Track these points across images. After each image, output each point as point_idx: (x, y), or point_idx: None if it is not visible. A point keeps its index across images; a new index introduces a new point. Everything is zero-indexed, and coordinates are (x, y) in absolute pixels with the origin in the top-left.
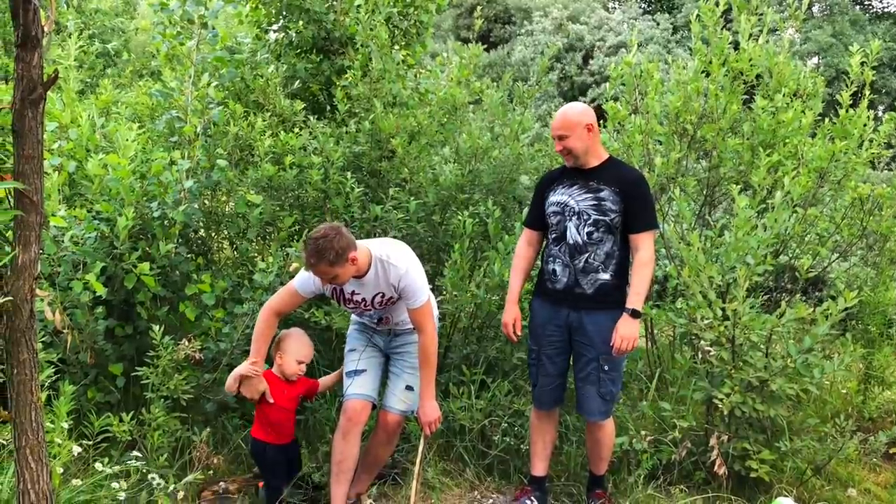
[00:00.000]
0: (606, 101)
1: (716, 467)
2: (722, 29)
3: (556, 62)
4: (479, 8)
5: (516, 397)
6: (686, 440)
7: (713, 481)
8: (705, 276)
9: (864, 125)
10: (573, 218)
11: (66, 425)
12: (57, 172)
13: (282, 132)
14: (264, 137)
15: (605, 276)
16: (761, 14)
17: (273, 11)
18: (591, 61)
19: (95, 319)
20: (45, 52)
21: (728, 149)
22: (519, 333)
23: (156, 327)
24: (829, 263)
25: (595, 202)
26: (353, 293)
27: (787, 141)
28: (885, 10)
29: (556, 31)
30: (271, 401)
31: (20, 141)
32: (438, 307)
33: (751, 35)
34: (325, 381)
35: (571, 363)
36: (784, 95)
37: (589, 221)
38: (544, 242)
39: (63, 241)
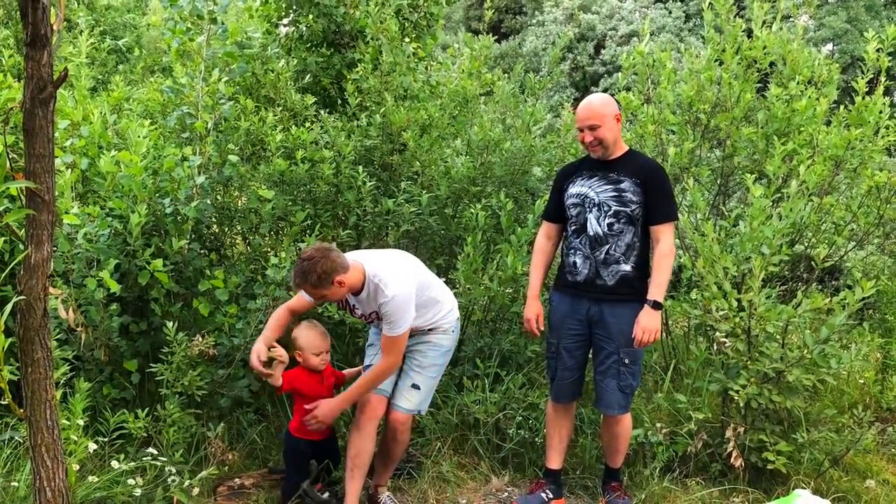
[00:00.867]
0: (619, 90)
1: (732, 459)
2: (735, 16)
3: (567, 52)
4: None
5: (531, 390)
6: (702, 432)
7: (729, 473)
8: (720, 267)
9: (880, 112)
10: (593, 209)
11: (81, 422)
12: (70, 170)
13: (293, 127)
14: (275, 132)
15: (627, 268)
16: (774, 1)
17: (283, 5)
18: (602, 51)
19: (110, 316)
20: (55, 51)
21: (742, 138)
22: (542, 328)
23: (170, 323)
24: (846, 252)
25: (615, 193)
26: (353, 307)
27: (801, 129)
28: None
29: (567, 20)
30: (279, 384)
31: (31, 140)
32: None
33: (764, 22)
34: (348, 372)
35: (590, 357)
36: (798, 83)
37: (609, 213)
38: (563, 235)
39: (76, 239)
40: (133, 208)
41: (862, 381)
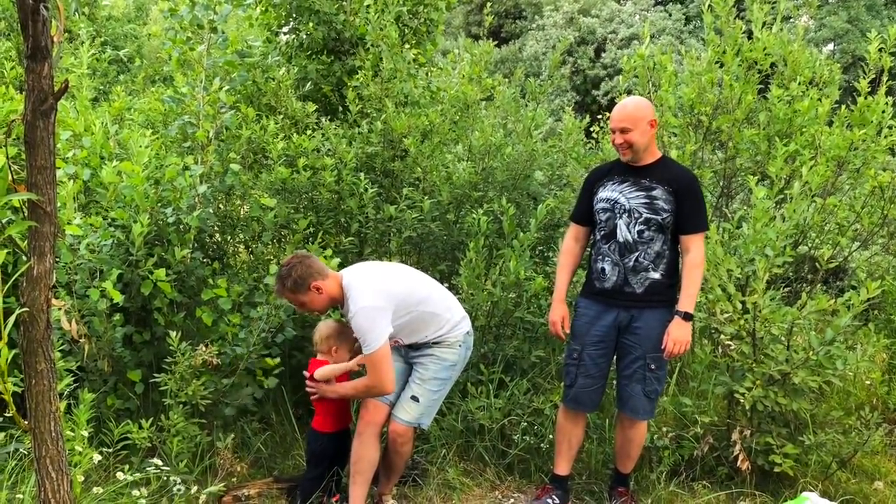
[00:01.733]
0: (620, 94)
1: (739, 462)
2: (735, 18)
3: (567, 56)
4: (489, 4)
5: (535, 395)
6: (708, 435)
7: (736, 477)
8: (724, 269)
9: (883, 112)
10: (623, 215)
11: (86, 433)
12: (72, 181)
13: (294, 134)
14: (277, 140)
15: (656, 276)
16: (774, 2)
17: (283, 14)
18: (603, 54)
19: (113, 327)
20: (56, 63)
21: (744, 139)
22: (567, 331)
23: (173, 333)
24: (850, 253)
25: (647, 200)
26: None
27: (803, 130)
28: None
29: (567, 24)
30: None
31: (32, 152)
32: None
33: (764, 23)
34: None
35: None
36: (800, 84)
37: (640, 220)
38: (591, 239)
39: (79, 250)
40: (135, 218)
41: (868, 382)
